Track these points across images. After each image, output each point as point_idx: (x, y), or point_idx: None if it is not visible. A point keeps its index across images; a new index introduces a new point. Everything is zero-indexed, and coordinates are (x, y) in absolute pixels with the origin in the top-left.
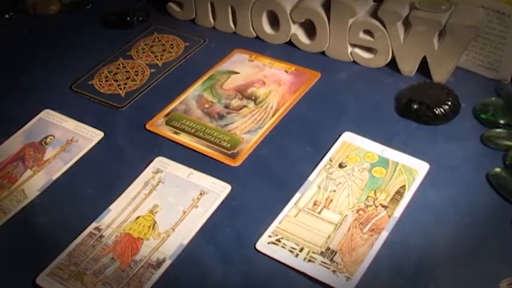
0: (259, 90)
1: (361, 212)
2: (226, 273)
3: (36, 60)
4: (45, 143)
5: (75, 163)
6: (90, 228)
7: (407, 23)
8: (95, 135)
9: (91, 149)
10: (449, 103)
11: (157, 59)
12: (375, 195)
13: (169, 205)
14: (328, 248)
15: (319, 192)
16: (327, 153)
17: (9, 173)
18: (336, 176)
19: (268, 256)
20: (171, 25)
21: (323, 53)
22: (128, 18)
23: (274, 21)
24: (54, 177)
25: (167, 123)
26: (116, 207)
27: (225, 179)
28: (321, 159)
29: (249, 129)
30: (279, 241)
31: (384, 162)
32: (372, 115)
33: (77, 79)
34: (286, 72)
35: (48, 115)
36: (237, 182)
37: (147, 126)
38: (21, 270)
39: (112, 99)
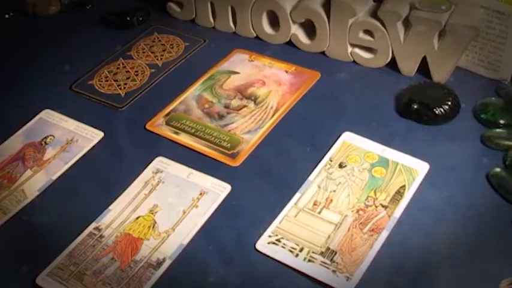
0: (259, 90)
1: (361, 212)
2: (226, 273)
3: (36, 60)
4: (45, 143)
5: (75, 163)
6: (90, 228)
7: (407, 23)
8: (95, 135)
9: (91, 149)
10: (449, 103)
11: (157, 59)
12: (375, 195)
13: (169, 205)
14: (328, 248)
15: (319, 192)
16: (327, 153)
17: (9, 173)
18: (336, 176)
19: (268, 256)
20: (171, 25)
21: (323, 53)
22: (128, 18)
23: (274, 21)
24: (54, 177)
25: (167, 123)
26: (115, 207)
27: (225, 179)
28: (321, 159)
29: (249, 129)
30: (279, 241)
31: (384, 162)
32: (372, 115)
33: (77, 79)
34: (286, 72)
35: (48, 115)
36: (237, 182)
37: (147, 126)
38: (21, 270)
39: (112, 99)
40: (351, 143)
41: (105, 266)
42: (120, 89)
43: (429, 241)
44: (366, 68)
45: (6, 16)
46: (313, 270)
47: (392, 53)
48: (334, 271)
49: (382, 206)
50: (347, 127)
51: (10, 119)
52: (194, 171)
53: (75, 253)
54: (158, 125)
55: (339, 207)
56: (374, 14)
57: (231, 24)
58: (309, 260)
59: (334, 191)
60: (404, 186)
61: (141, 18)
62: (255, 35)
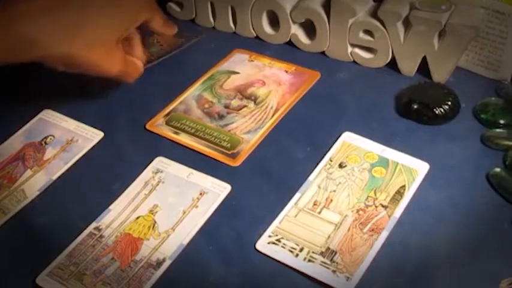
0: (259, 90)
1: (361, 212)
2: (226, 273)
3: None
4: (45, 143)
5: (75, 163)
6: (90, 228)
7: (407, 23)
8: (95, 135)
9: (91, 149)
10: (449, 103)
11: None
12: (375, 195)
13: (169, 205)
14: (328, 248)
15: (319, 192)
16: (327, 153)
17: (9, 173)
18: (336, 176)
19: (268, 256)
20: None
21: (323, 53)
22: None
23: (274, 21)
24: (54, 177)
25: (167, 123)
26: (116, 207)
27: (225, 179)
28: (321, 159)
29: (249, 129)
30: (279, 241)
31: (384, 162)
32: (372, 115)
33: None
34: (286, 72)
35: (48, 115)
36: (237, 182)
37: (147, 126)
38: (21, 270)
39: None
40: (351, 143)
41: (105, 266)
42: None
43: (429, 241)
44: (366, 68)
45: None
46: (313, 270)
47: (392, 53)
48: (334, 271)
49: (382, 206)
50: (347, 127)
51: (10, 119)
52: (194, 171)
53: (75, 253)
54: (158, 125)
55: (339, 207)
56: (374, 14)
57: (231, 24)
58: (309, 260)
59: (334, 191)
60: (404, 186)
61: None
62: (255, 35)
